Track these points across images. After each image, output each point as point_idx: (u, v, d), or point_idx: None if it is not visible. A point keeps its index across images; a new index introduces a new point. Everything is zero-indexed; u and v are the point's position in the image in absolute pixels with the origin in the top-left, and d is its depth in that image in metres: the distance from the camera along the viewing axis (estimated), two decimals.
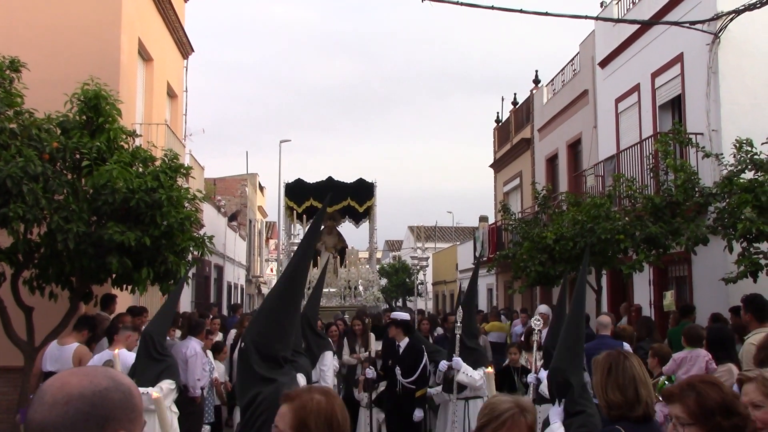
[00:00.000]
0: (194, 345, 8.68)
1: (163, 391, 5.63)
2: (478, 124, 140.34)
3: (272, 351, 3.86)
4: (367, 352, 10.22)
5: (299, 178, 18.87)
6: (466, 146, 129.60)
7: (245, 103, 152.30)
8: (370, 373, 9.17)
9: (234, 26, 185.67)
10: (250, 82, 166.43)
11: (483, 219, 30.71)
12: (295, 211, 18.40)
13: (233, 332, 12.28)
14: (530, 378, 7.50)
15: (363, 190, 18.62)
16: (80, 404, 1.67)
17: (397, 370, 8.86)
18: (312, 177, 19.36)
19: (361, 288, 16.91)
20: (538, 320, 7.34)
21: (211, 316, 14.06)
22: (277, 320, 3.98)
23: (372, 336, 10.89)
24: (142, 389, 5.41)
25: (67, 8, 11.54)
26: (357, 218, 19.87)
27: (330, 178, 18.58)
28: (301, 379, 7.49)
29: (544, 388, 6.96)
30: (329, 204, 17.93)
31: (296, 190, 18.54)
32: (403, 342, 9.07)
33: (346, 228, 20.45)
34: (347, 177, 18.93)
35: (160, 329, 6.02)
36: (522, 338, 10.98)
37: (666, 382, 6.76)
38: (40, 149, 8.23)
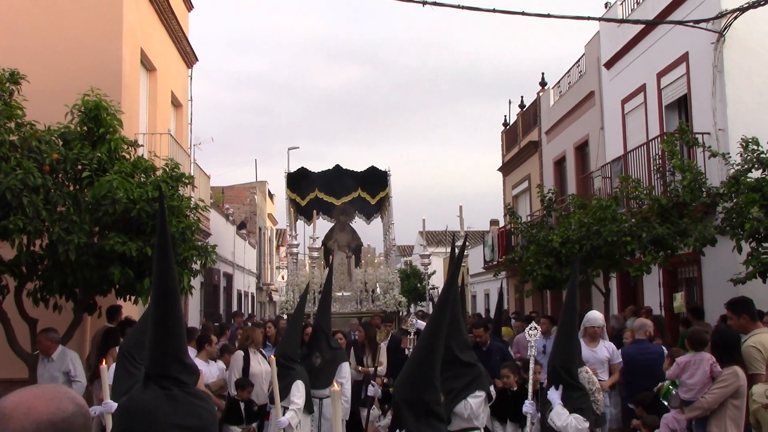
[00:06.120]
0: None
1: None
2: (488, 127, 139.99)
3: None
4: (375, 366, 9.57)
5: (303, 167, 16.34)
6: (477, 150, 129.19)
7: (254, 111, 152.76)
8: (372, 390, 8.43)
9: (241, 35, 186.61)
10: (259, 90, 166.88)
11: (494, 223, 30.68)
12: (298, 205, 16.26)
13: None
14: (526, 408, 6.04)
15: (375, 180, 16.24)
16: None
17: None
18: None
19: (379, 291, 15.10)
20: (535, 329, 6.42)
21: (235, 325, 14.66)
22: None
23: (382, 347, 10.11)
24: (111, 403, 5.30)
25: (68, 19, 11.58)
26: (368, 213, 17.55)
27: (338, 167, 16.34)
28: (301, 386, 7.41)
29: (556, 416, 5.54)
30: (337, 196, 16.01)
31: (300, 181, 16.16)
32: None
33: (357, 225, 17.91)
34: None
35: (135, 343, 5.85)
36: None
37: (670, 387, 6.61)
38: (40, 161, 8.22)
